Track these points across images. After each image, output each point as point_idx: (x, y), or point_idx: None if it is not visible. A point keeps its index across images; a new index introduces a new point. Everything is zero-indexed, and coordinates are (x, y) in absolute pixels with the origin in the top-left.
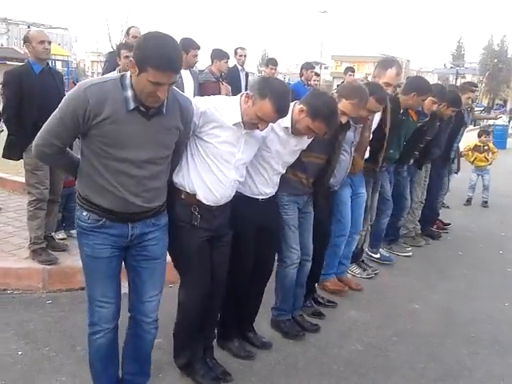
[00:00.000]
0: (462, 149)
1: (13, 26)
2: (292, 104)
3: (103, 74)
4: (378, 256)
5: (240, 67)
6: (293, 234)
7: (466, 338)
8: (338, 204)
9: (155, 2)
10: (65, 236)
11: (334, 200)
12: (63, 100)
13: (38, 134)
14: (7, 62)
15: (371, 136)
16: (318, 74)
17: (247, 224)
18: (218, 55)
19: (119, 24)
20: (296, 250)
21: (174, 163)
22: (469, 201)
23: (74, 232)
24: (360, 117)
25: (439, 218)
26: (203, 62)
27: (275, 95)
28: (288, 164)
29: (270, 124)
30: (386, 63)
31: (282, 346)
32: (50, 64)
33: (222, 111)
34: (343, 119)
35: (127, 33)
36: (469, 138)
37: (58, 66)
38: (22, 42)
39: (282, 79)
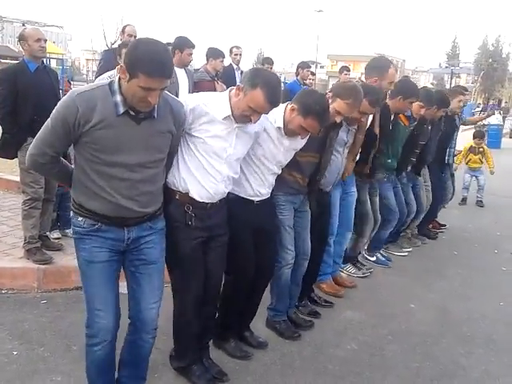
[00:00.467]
0: (456, 148)
1: (7, 24)
2: (284, 105)
3: (98, 73)
4: (374, 259)
5: (235, 66)
6: (288, 235)
7: (461, 337)
8: (329, 205)
9: (150, 1)
10: (59, 235)
11: (327, 201)
12: (54, 109)
13: (32, 144)
14: (1, 60)
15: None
16: (313, 73)
17: (243, 226)
18: (214, 54)
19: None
20: (291, 250)
21: (167, 166)
22: (464, 200)
23: (68, 231)
24: (353, 118)
25: (435, 218)
26: (198, 60)
27: (266, 84)
28: (283, 164)
29: (263, 125)
30: (384, 65)
31: (277, 346)
32: (45, 62)
33: (210, 106)
34: (337, 119)
35: (122, 31)
36: (465, 138)
37: (53, 64)
38: (17, 39)
39: None
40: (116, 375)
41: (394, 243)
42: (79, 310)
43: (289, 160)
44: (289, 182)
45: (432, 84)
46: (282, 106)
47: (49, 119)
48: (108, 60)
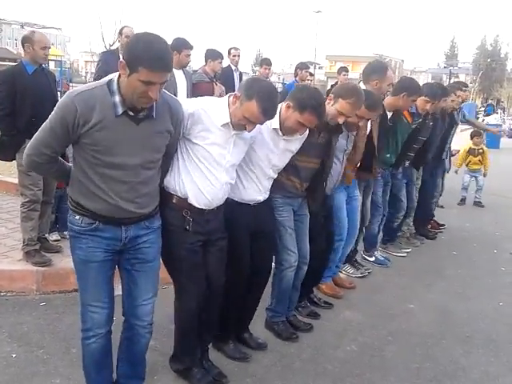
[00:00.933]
0: (454, 147)
1: (5, 26)
2: (279, 105)
3: (96, 74)
4: (373, 259)
5: (234, 67)
6: (289, 236)
7: (460, 337)
8: (334, 208)
9: (148, 2)
10: (58, 237)
11: (329, 204)
12: (54, 109)
13: (29, 144)
14: (0, 63)
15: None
16: (311, 74)
17: (240, 229)
18: (212, 55)
19: (112, 24)
20: (293, 252)
21: (166, 167)
22: (463, 200)
23: (67, 233)
24: (351, 123)
25: (434, 218)
26: (196, 61)
27: (261, 96)
28: (278, 168)
29: (259, 129)
30: (382, 67)
31: (277, 347)
32: (43, 64)
33: (210, 112)
34: (340, 119)
35: (120, 33)
36: (463, 140)
37: (52, 66)
38: (22, 41)
39: (277, 79)
40: (114, 377)
41: (392, 243)
42: (78, 312)
43: (285, 163)
44: (286, 186)
45: None
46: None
47: (47, 120)
48: (106, 61)
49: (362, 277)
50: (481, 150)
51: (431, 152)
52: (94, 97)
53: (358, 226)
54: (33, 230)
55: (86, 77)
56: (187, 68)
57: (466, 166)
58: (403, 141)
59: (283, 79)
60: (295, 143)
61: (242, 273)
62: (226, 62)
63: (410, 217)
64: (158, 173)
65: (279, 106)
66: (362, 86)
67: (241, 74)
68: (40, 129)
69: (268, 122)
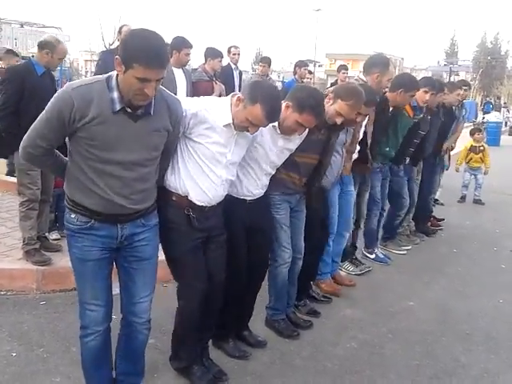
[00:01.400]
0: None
1: (5, 25)
2: None
3: (96, 74)
4: (373, 257)
5: (234, 66)
6: (284, 234)
7: (460, 334)
8: (328, 203)
9: (148, 1)
10: (58, 236)
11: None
12: (50, 102)
13: (25, 136)
14: None
15: (361, 137)
16: (310, 72)
17: (235, 225)
18: (212, 54)
19: (112, 23)
20: (288, 249)
21: (165, 165)
22: (463, 198)
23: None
24: (349, 120)
25: (432, 214)
26: (196, 60)
27: (266, 100)
28: (276, 165)
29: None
30: (385, 61)
31: (277, 345)
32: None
33: (212, 112)
34: (338, 120)
35: (119, 31)
36: (463, 138)
37: None
38: (41, 44)
39: (277, 77)
40: (114, 375)
41: (392, 241)
42: (78, 311)
43: (283, 161)
44: (285, 182)
45: None
46: None
47: (43, 112)
48: (106, 61)
49: (362, 274)
50: (482, 148)
51: (429, 147)
52: (92, 92)
53: (352, 221)
54: (32, 228)
55: (85, 76)
56: (187, 67)
57: (467, 163)
58: (403, 135)
59: (283, 77)
60: (294, 142)
61: (239, 267)
62: (225, 61)
63: (410, 213)
64: (155, 170)
65: None
66: (362, 76)
67: (240, 73)
68: (36, 121)
69: None
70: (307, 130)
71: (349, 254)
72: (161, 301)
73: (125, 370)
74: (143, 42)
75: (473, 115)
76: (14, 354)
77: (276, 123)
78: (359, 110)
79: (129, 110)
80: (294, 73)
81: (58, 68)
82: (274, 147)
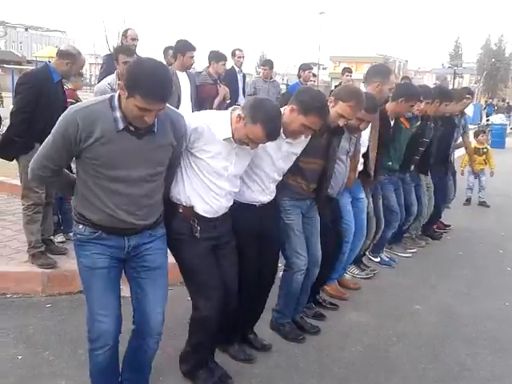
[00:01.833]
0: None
1: (10, 29)
2: (282, 108)
3: (100, 77)
4: (378, 260)
5: (238, 69)
6: (298, 239)
7: (466, 338)
8: (340, 211)
9: (152, 4)
10: (64, 239)
11: (335, 206)
12: (56, 124)
13: (33, 159)
14: (5, 66)
15: (364, 149)
16: (314, 75)
17: (245, 231)
18: (215, 57)
19: (116, 26)
20: (302, 255)
21: (170, 179)
22: (468, 201)
23: (72, 235)
24: (352, 126)
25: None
26: (200, 63)
27: (267, 121)
28: (283, 170)
29: None
30: (386, 71)
31: (282, 348)
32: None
33: (212, 127)
34: (341, 122)
35: (124, 35)
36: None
37: None
38: (62, 53)
39: (281, 80)
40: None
41: (398, 244)
42: (83, 313)
43: (289, 166)
44: (293, 187)
45: (435, 84)
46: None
47: (50, 134)
48: (110, 64)
49: (367, 278)
50: (485, 150)
51: (433, 154)
52: (96, 112)
53: (365, 229)
54: (38, 232)
55: (90, 79)
56: (191, 70)
57: (471, 165)
58: (403, 147)
59: (287, 80)
60: (299, 146)
61: (248, 274)
62: (229, 64)
63: (417, 220)
64: (161, 185)
65: (281, 109)
66: (363, 87)
67: (244, 76)
68: (43, 143)
69: None
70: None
71: (357, 259)
72: (167, 304)
73: (131, 378)
74: (146, 75)
75: (477, 118)
76: (20, 357)
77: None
78: (360, 111)
79: (132, 128)
80: (299, 76)
81: None
82: (279, 153)
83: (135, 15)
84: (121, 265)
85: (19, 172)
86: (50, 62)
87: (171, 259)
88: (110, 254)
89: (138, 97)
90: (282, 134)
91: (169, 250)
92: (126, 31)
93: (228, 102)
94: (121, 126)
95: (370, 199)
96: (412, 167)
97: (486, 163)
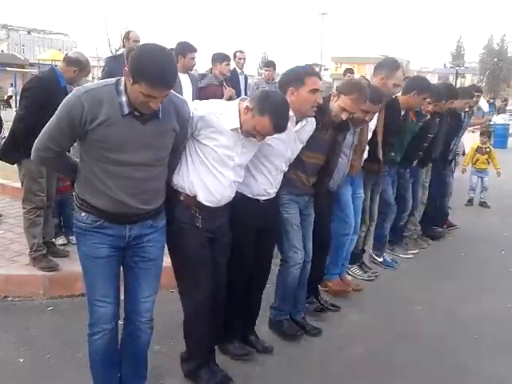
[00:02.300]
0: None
1: (13, 32)
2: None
3: (101, 79)
4: (381, 260)
5: (239, 70)
6: (296, 234)
7: (469, 339)
8: (341, 204)
9: (154, 6)
10: (65, 241)
11: (335, 200)
12: (60, 105)
13: (37, 139)
14: (7, 69)
15: (369, 137)
16: None
17: (248, 226)
18: (219, 58)
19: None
20: (299, 250)
21: (173, 164)
22: (470, 201)
23: (73, 238)
24: (358, 119)
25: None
26: (202, 65)
27: (274, 113)
28: (290, 160)
29: None
30: (393, 65)
31: (283, 350)
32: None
33: (220, 116)
34: (344, 115)
35: (127, 38)
36: (471, 140)
37: None
38: (70, 59)
39: None
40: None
41: (399, 245)
42: (85, 316)
43: (296, 154)
44: (293, 180)
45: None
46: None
47: (54, 116)
48: (112, 66)
49: (369, 280)
50: (488, 149)
51: (436, 149)
52: (102, 95)
53: (359, 225)
54: (39, 235)
55: (92, 82)
56: (193, 71)
57: (474, 164)
58: (407, 139)
59: None
60: (305, 133)
61: (244, 270)
62: (231, 65)
63: (413, 216)
64: (164, 170)
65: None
66: (368, 78)
67: (246, 77)
68: (47, 124)
69: None
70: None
71: (357, 258)
72: (167, 307)
73: (128, 372)
74: (151, 61)
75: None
76: (22, 360)
77: (292, 113)
78: (363, 104)
79: (137, 113)
80: None
81: None
82: (289, 143)
83: (137, 18)
84: (121, 253)
85: (20, 176)
86: (56, 65)
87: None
88: (110, 243)
89: (143, 84)
90: (294, 119)
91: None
92: (128, 33)
93: None
94: (126, 110)
95: (368, 193)
96: (415, 163)
97: (488, 163)
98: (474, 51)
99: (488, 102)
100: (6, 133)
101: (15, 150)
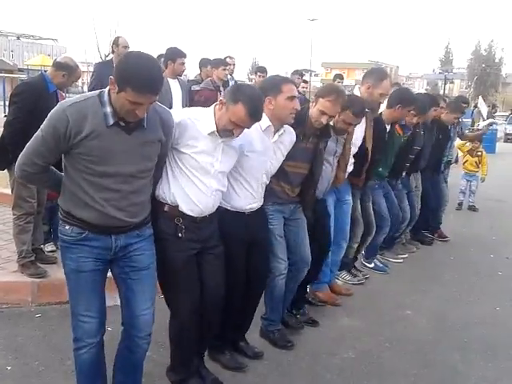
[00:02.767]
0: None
1: (2, 38)
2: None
3: (91, 85)
4: (372, 266)
5: (229, 76)
6: (279, 244)
7: (458, 343)
8: (326, 211)
9: (144, 11)
10: (54, 248)
11: (320, 207)
12: (45, 120)
13: (21, 155)
14: None
15: (355, 150)
16: (305, 81)
17: (234, 240)
18: (215, 64)
19: (108, 34)
20: (283, 260)
21: (157, 177)
22: (460, 205)
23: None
24: (340, 129)
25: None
26: (192, 70)
27: (247, 99)
28: (271, 172)
29: (247, 138)
30: (380, 74)
31: (274, 355)
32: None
33: (196, 122)
34: (323, 119)
35: (115, 44)
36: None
37: None
38: (59, 65)
39: None
40: None
41: (389, 250)
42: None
43: (277, 167)
44: (277, 192)
45: (426, 90)
46: None
47: (39, 130)
48: (101, 72)
49: (359, 284)
50: (479, 153)
51: (424, 159)
52: (86, 108)
53: (348, 232)
54: (29, 241)
55: (82, 87)
56: (182, 77)
57: (463, 164)
58: (395, 154)
59: None
60: (285, 145)
61: (237, 285)
62: None
63: (409, 226)
64: (150, 182)
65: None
66: (356, 90)
67: (236, 83)
68: (32, 139)
69: (257, 125)
70: (296, 137)
71: (348, 265)
72: (158, 313)
73: (122, 379)
74: (137, 68)
75: (469, 123)
76: (9, 368)
77: (269, 123)
78: (342, 105)
79: (122, 123)
80: None
81: None
82: (268, 153)
83: (126, 23)
84: (107, 266)
85: (10, 181)
86: (45, 71)
87: None
88: (96, 257)
89: (129, 90)
90: (272, 128)
91: None
92: (117, 39)
93: None
94: (111, 121)
95: (358, 203)
96: (404, 174)
97: (477, 166)
98: (463, 57)
99: (475, 106)
100: None
101: (4, 155)
